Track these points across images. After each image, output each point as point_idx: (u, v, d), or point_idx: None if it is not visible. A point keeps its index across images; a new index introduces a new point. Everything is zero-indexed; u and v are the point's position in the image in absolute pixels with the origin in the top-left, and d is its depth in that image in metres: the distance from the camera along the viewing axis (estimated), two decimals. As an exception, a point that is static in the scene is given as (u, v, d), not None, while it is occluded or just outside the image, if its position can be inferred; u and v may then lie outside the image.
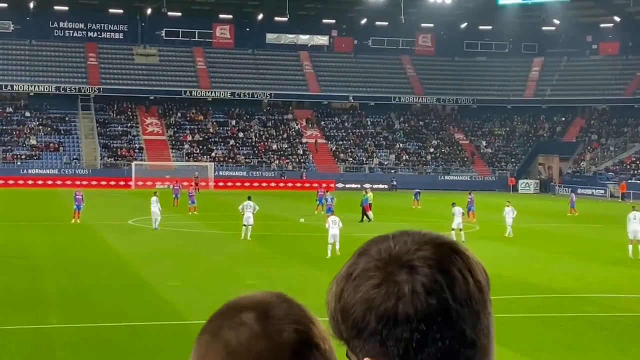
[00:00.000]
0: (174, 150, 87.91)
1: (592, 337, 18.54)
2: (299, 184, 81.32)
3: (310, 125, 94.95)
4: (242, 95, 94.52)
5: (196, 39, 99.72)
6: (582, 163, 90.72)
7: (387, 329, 1.37)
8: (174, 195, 56.27)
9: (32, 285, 23.92)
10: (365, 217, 45.98)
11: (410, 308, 1.37)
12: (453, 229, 36.44)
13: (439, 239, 1.45)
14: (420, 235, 1.45)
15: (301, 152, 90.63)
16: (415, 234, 1.46)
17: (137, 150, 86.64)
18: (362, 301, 1.40)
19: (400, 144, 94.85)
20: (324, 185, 54.74)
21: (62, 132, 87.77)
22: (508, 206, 41.25)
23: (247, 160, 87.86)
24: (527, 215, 49.90)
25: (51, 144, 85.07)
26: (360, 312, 1.39)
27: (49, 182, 75.33)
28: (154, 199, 40.52)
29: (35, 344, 16.98)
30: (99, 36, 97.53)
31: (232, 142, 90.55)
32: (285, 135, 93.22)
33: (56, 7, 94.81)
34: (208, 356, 1.40)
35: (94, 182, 76.99)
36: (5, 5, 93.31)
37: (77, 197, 42.88)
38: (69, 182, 73.23)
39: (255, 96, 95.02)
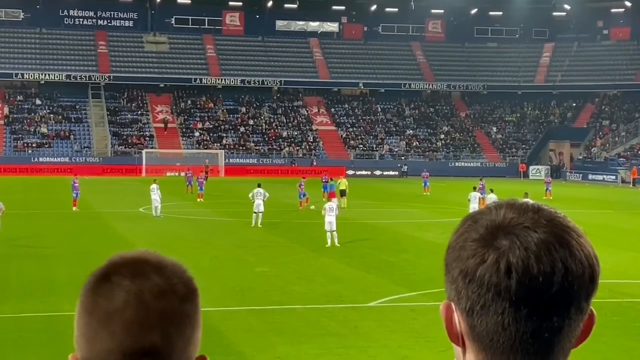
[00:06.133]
0: (184, 138, 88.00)
1: (602, 324, 18.42)
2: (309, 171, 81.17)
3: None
4: (252, 82, 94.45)
5: (206, 26, 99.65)
6: (593, 149, 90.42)
7: (463, 283, 1.41)
8: (187, 183, 56.45)
9: (45, 273, 24.05)
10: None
11: (486, 276, 1.39)
12: None
13: (556, 226, 1.43)
14: (545, 216, 1.44)
15: (311, 139, 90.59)
16: (545, 214, 1.45)
17: (147, 138, 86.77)
18: (457, 248, 1.44)
19: (411, 131, 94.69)
20: (326, 178, 53.13)
21: (73, 120, 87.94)
22: (474, 191, 40.47)
23: (257, 147, 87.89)
24: (538, 201, 49.64)
25: (62, 132, 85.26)
26: (452, 257, 1.45)
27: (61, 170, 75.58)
28: (153, 186, 40.52)
29: (48, 331, 17.10)
30: (109, 24, 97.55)
31: (242, 129, 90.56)
32: (295, 122, 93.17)
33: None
34: (127, 311, 1.48)
35: (105, 170, 77.21)
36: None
37: (75, 184, 43.13)
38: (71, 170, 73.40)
39: (265, 83, 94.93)
